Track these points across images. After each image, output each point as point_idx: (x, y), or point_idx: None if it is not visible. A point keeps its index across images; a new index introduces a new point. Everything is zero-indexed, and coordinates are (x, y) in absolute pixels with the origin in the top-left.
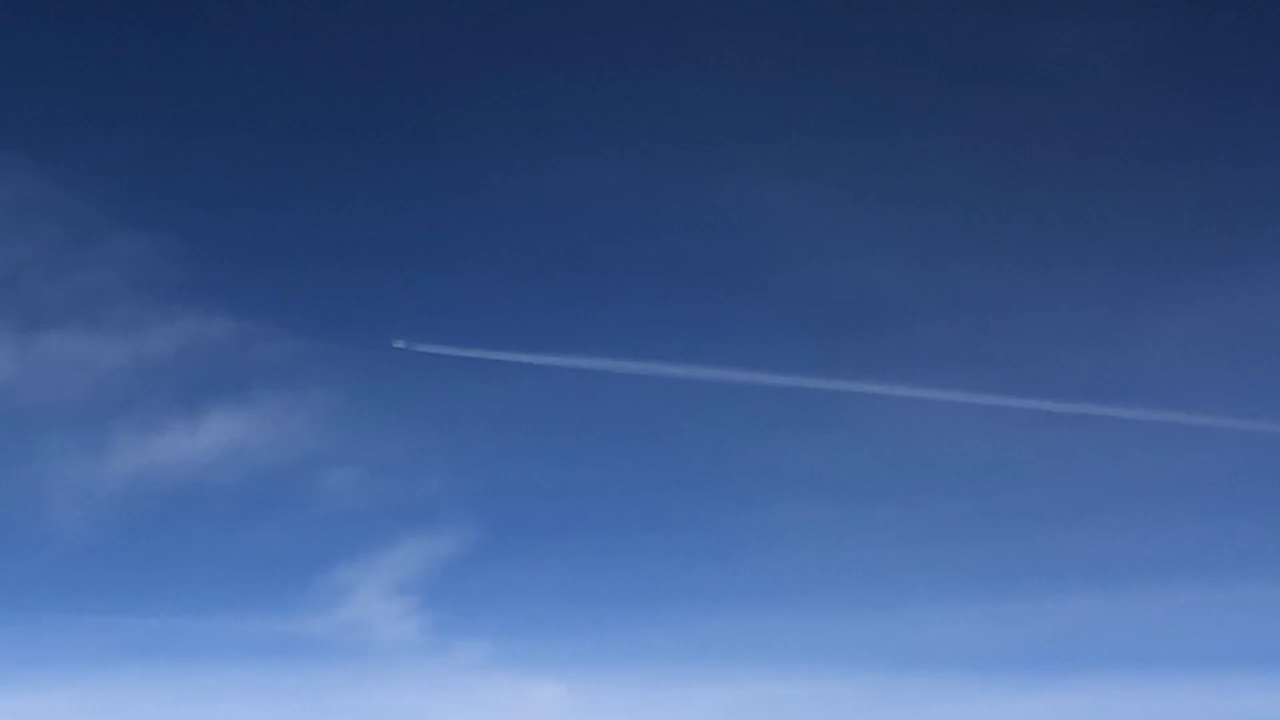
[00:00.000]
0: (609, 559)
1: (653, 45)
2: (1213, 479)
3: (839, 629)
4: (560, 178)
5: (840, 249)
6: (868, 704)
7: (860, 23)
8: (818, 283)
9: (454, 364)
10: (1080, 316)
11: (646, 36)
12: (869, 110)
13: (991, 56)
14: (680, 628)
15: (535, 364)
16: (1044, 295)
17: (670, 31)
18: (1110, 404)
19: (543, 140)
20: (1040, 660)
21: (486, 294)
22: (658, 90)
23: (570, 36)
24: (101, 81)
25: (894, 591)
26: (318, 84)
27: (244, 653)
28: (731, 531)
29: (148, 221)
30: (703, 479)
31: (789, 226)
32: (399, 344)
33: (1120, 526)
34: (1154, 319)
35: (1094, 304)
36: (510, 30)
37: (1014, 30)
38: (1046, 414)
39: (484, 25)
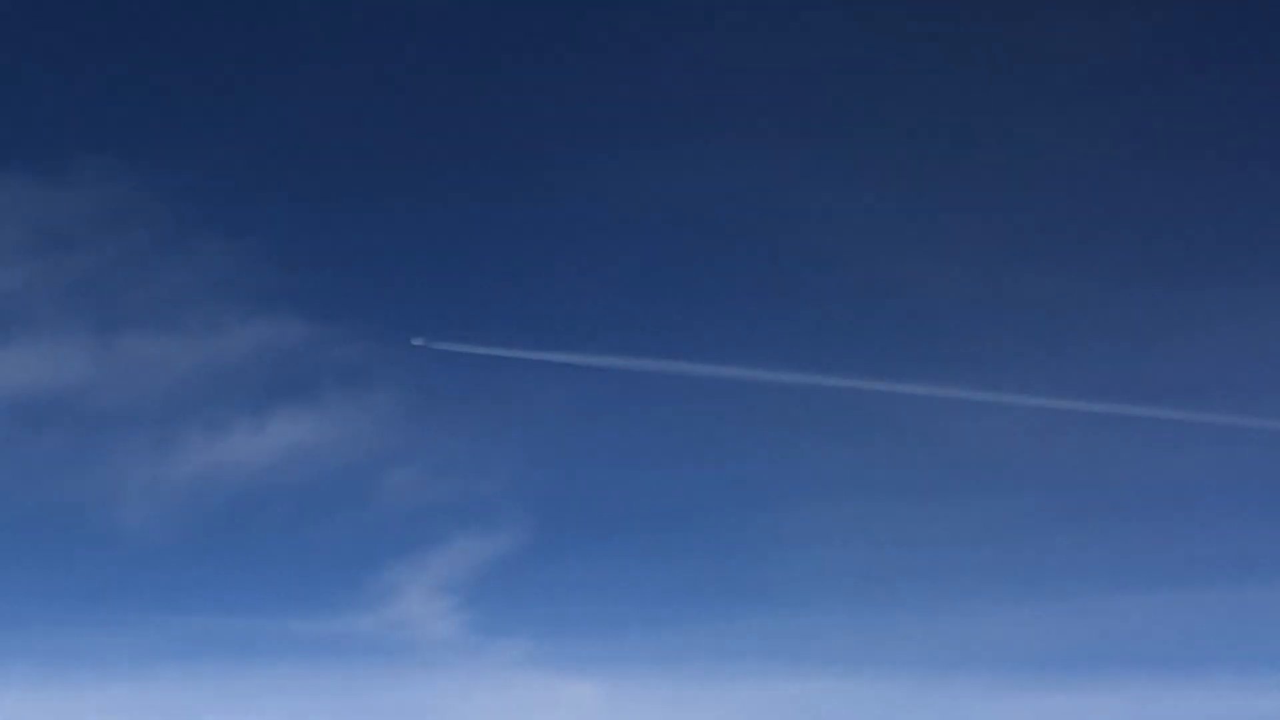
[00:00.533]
0: (643, 559)
1: (676, 41)
2: (1246, 480)
3: (873, 630)
4: (594, 177)
5: (872, 248)
6: (900, 705)
7: (888, 20)
8: (848, 282)
9: (499, 364)
10: (1115, 315)
11: (670, 32)
12: (902, 108)
13: (1025, 54)
14: (713, 628)
15: (574, 364)
16: (1077, 294)
17: (694, 28)
18: (1143, 404)
19: (584, 141)
20: (1072, 661)
21: (533, 294)
22: (682, 87)
23: (595, 36)
24: (191, 89)
25: (929, 593)
26: (392, 94)
27: (293, 651)
28: (766, 532)
29: (228, 226)
30: (736, 479)
31: (819, 224)
32: (417, 341)
33: (1151, 527)
34: (1189, 318)
35: (1129, 303)
36: (534, 30)
37: (1047, 28)
38: (1077, 414)
39: (512, 28)
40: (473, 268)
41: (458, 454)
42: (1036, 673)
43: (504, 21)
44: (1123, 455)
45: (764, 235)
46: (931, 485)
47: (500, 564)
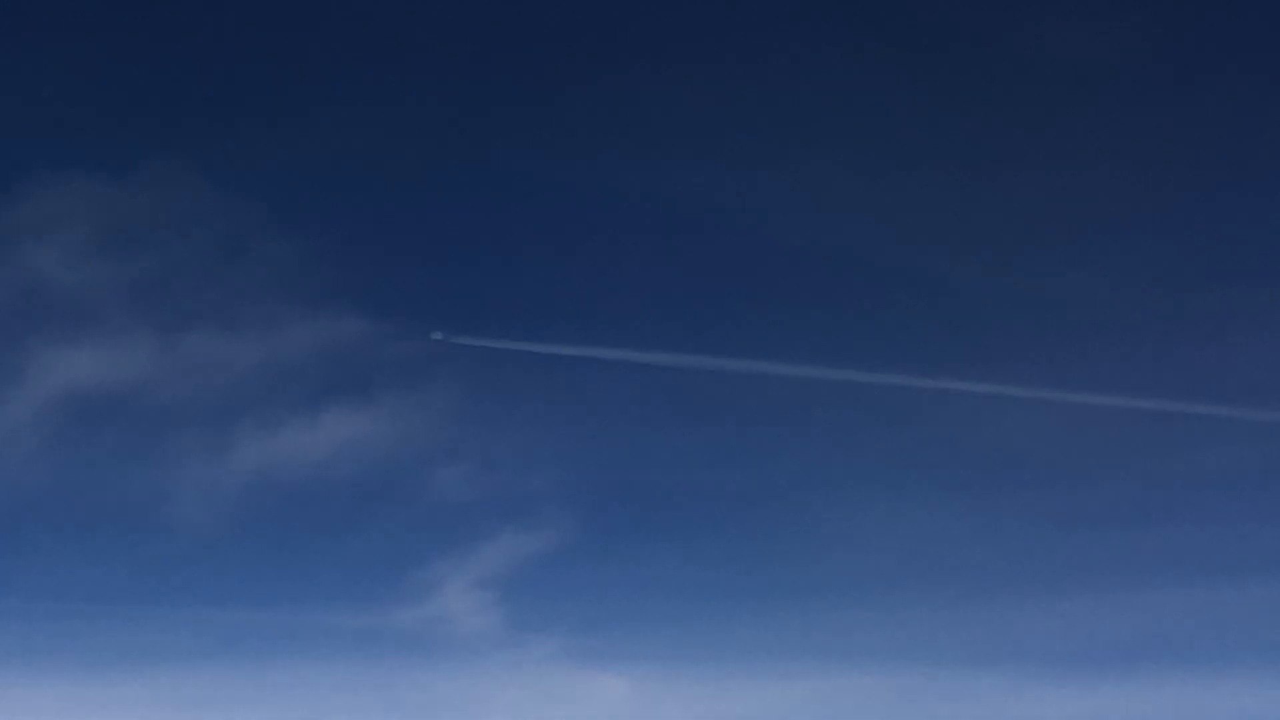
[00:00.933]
0: (675, 555)
1: (704, 37)
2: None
3: (902, 626)
4: (633, 175)
5: (903, 245)
6: (929, 700)
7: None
8: (884, 279)
9: (545, 362)
10: (1147, 311)
11: (697, 28)
12: (932, 105)
13: (1046, 48)
14: (745, 624)
15: (618, 360)
16: (1111, 291)
17: (717, 24)
18: (1172, 399)
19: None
20: (1103, 656)
21: (581, 291)
22: (715, 83)
23: (630, 34)
24: (255, 94)
25: (960, 588)
26: (451, 98)
27: (334, 644)
28: (799, 530)
29: (295, 225)
30: (771, 476)
31: (858, 221)
32: (437, 336)
33: (1182, 522)
34: (1239, 317)
35: (1161, 299)
36: (573, 32)
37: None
38: (1107, 409)
39: (549, 32)
40: (524, 265)
41: (499, 452)
42: (1067, 668)
43: (541, 26)
44: (1151, 450)
45: (800, 232)
46: (961, 481)
47: (537, 560)
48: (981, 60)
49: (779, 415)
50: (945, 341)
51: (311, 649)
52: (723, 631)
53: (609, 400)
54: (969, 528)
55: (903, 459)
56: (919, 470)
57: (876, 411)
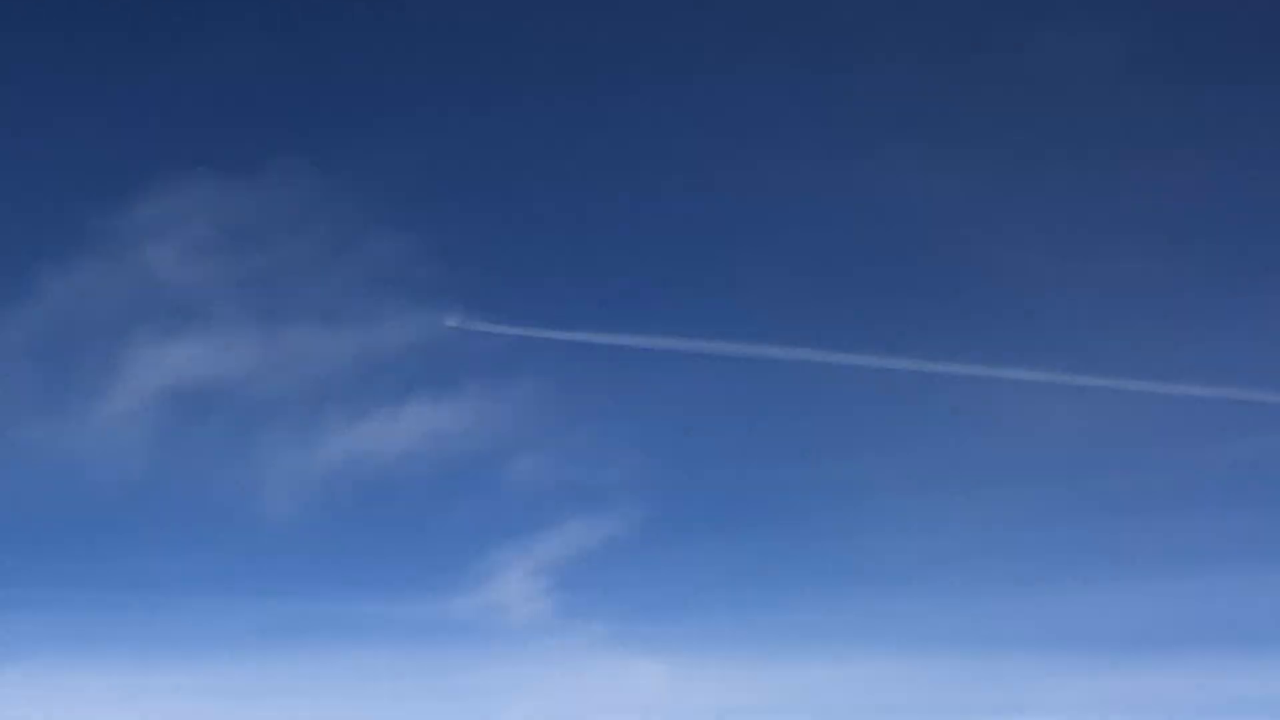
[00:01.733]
0: (719, 543)
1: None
2: None
3: (946, 613)
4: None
5: (959, 233)
6: (973, 685)
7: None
8: (927, 269)
9: (627, 355)
10: (1198, 300)
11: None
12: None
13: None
14: (785, 611)
15: (695, 352)
16: (1173, 279)
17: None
18: (1226, 387)
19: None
20: (1156, 641)
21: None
22: (763, 67)
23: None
24: (368, 97)
25: (1008, 576)
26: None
27: (394, 633)
28: (844, 519)
29: (399, 224)
30: (817, 467)
31: (893, 205)
32: (452, 323)
33: (1233, 508)
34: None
35: (1213, 288)
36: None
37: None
38: (1160, 396)
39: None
40: (615, 262)
41: (551, 444)
42: (1110, 653)
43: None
44: (1195, 437)
45: (856, 220)
46: (1007, 470)
47: (583, 551)
48: (1024, 50)
49: (830, 406)
50: (986, 329)
51: (367, 636)
52: (765, 619)
53: (663, 391)
54: (1016, 516)
55: (953, 450)
56: (968, 461)
57: (925, 402)
